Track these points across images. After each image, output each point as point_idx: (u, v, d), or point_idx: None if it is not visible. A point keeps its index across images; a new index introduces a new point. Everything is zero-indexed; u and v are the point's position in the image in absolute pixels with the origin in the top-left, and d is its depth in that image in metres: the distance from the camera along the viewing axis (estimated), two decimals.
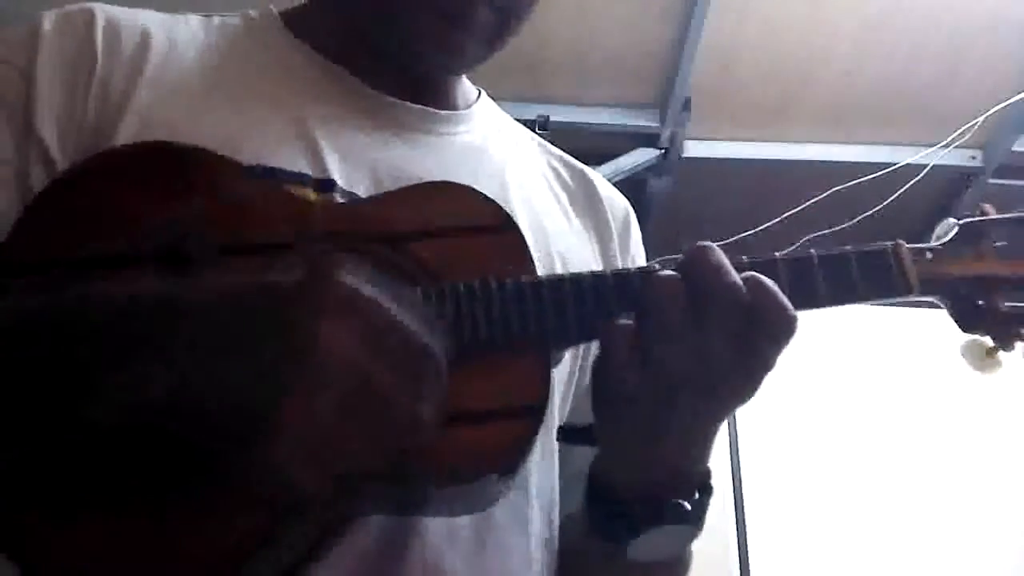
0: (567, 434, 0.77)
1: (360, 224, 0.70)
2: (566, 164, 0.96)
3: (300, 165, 0.74)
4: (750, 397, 0.68)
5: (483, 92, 0.94)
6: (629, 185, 2.74)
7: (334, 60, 0.83)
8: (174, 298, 0.57)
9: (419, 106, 0.84)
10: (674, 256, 0.68)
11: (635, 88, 2.79)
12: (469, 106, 0.90)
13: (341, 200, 0.73)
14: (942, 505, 2.54)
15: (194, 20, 0.83)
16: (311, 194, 0.72)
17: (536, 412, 0.64)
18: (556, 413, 0.81)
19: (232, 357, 0.55)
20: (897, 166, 2.81)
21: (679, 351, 0.64)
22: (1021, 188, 2.97)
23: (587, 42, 2.61)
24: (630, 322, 0.65)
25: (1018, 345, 0.68)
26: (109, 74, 0.74)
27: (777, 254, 0.70)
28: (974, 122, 2.71)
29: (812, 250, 0.70)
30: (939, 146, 2.79)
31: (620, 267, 0.90)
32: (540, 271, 0.72)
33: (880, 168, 2.81)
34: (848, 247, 0.71)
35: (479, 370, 0.64)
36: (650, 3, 2.53)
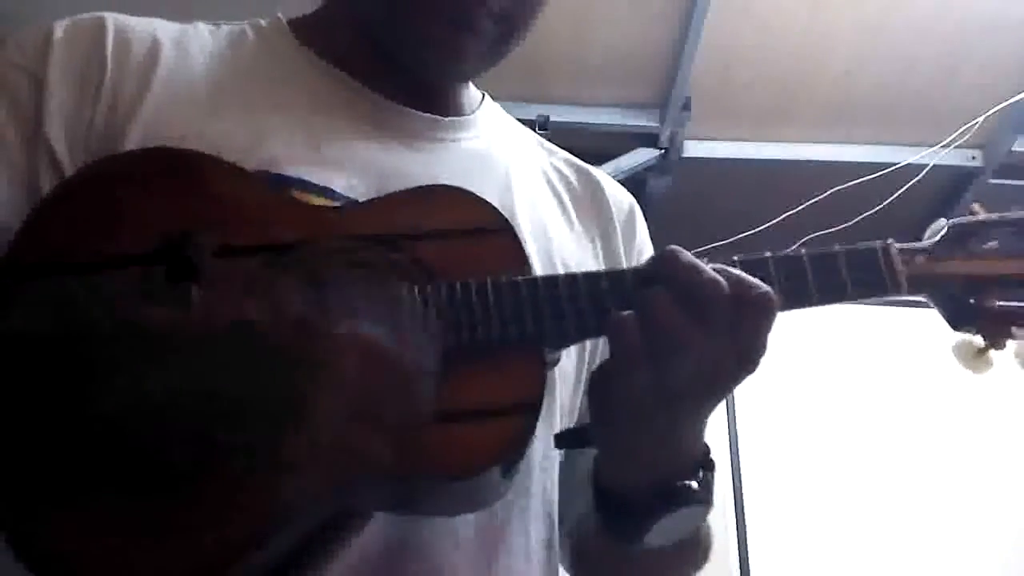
0: (561, 439, 0.78)
1: (360, 226, 0.70)
2: (571, 165, 0.97)
3: (305, 172, 0.75)
4: (749, 374, 0.68)
5: (487, 96, 0.95)
6: (629, 185, 2.69)
7: (341, 68, 0.83)
8: (178, 324, 0.59)
9: (424, 113, 0.85)
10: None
11: (635, 88, 2.79)
12: (473, 111, 0.91)
13: (343, 204, 0.74)
14: (941, 504, 2.54)
15: (203, 28, 0.84)
16: (314, 199, 0.73)
17: (531, 410, 0.65)
18: (559, 414, 0.82)
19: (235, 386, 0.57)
20: (897, 166, 2.81)
21: (679, 352, 0.65)
22: (1021, 188, 2.97)
23: (587, 42, 2.61)
24: (636, 326, 0.66)
25: (1009, 344, 0.68)
26: (118, 81, 0.75)
27: (768, 253, 0.70)
28: (974, 122, 2.70)
29: (803, 249, 0.71)
30: (939, 146, 2.79)
31: (623, 264, 0.91)
32: (540, 274, 0.73)
33: (880, 168, 2.81)
34: (837, 246, 0.71)
35: (475, 369, 0.65)
36: (650, 3, 2.53)
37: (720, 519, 2.52)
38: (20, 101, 0.73)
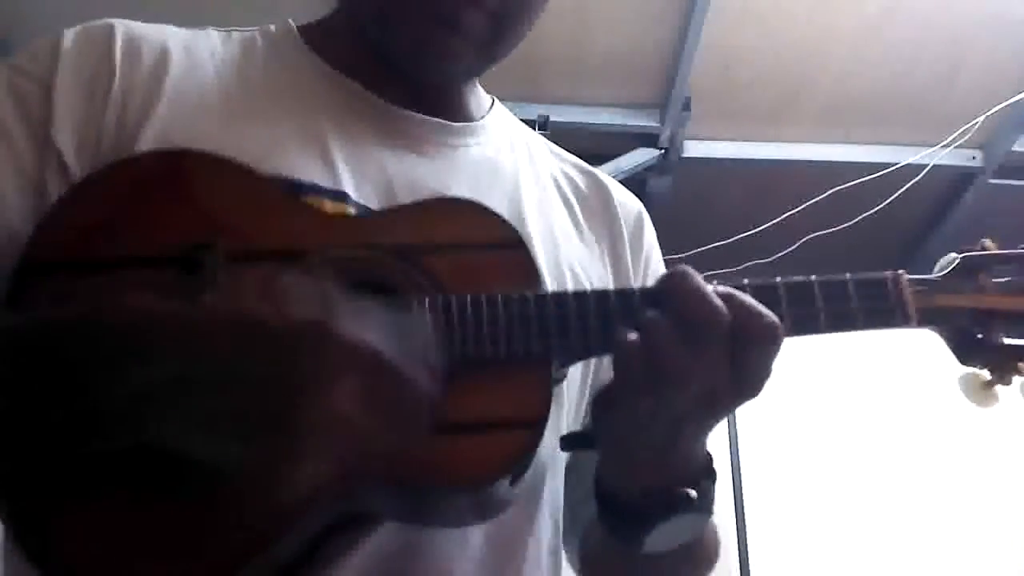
0: (566, 441, 0.78)
1: (372, 236, 0.71)
2: (580, 170, 0.97)
3: (317, 178, 0.75)
4: (752, 399, 0.69)
5: (496, 101, 0.95)
6: (629, 185, 2.69)
7: (349, 74, 0.84)
8: (183, 318, 0.58)
9: (433, 118, 0.85)
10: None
11: (635, 88, 2.78)
12: (483, 116, 0.91)
13: (355, 212, 0.74)
14: (940, 505, 2.55)
15: (214, 35, 0.85)
16: (327, 205, 0.73)
17: (538, 423, 0.66)
18: (566, 421, 0.82)
19: (239, 381, 0.57)
20: (897, 166, 2.81)
21: (679, 379, 0.65)
22: (1021, 188, 2.97)
23: (587, 42, 2.60)
24: (639, 353, 0.66)
25: (1015, 379, 0.69)
26: (128, 88, 0.75)
27: (778, 279, 0.70)
28: (974, 122, 2.70)
29: (813, 277, 0.71)
30: (939, 146, 2.78)
31: (630, 270, 0.92)
32: (550, 281, 0.74)
33: (880, 168, 2.81)
34: (848, 275, 0.71)
35: (483, 383, 0.66)
36: (650, 3, 2.52)
37: (720, 519, 2.53)
38: (30, 108, 0.73)
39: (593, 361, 0.87)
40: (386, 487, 0.63)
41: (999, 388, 0.69)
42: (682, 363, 0.64)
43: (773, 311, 0.65)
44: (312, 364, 0.57)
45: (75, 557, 0.59)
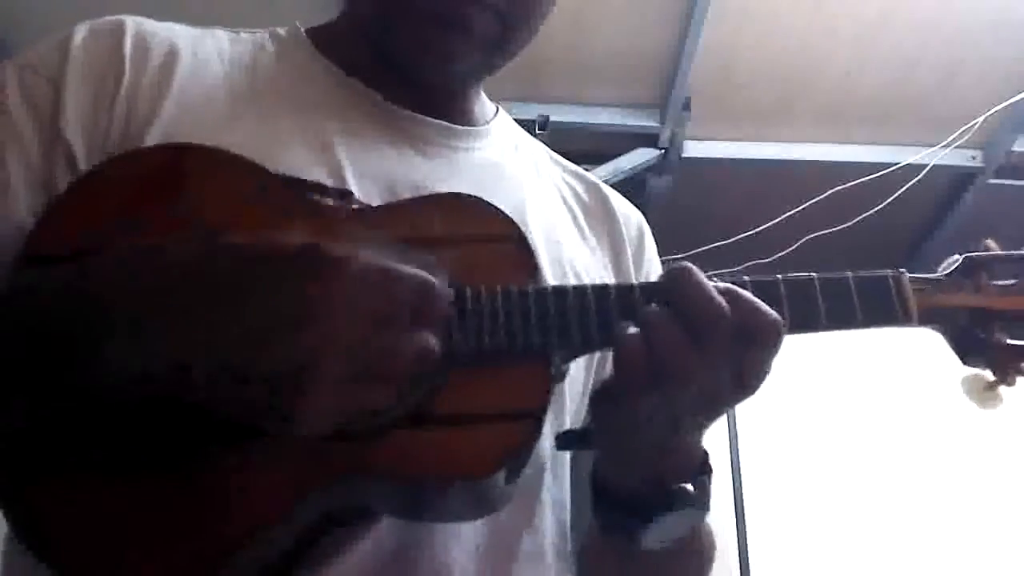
0: (561, 439, 0.78)
1: (373, 230, 0.71)
2: (581, 179, 0.98)
3: (321, 177, 0.75)
4: (751, 396, 0.68)
5: (501, 108, 0.95)
6: (629, 185, 2.74)
7: (356, 76, 0.84)
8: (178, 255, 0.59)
9: (437, 121, 0.85)
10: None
11: (635, 88, 2.78)
12: (487, 122, 0.91)
13: (358, 207, 0.75)
14: (941, 505, 2.55)
15: (222, 35, 0.85)
16: (332, 202, 0.74)
17: (536, 416, 0.65)
18: (568, 419, 0.82)
19: (242, 306, 0.56)
20: (897, 166, 2.81)
21: (680, 375, 0.65)
22: (1021, 188, 2.97)
23: (587, 42, 2.60)
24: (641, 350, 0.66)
25: (1019, 380, 0.68)
26: (136, 84, 0.76)
27: (780, 276, 0.70)
28: (974, 122, 2.70)
29: (813, 274, 0.70)
30: (939, 146, 2.78)
31: (632, 279, 0.91)
32: (551, 281, 0.74)
33: (880, 168, 2.81)
34: (848, 273, 0.71)
35: (482, 376, 0.65)
36: (650, 4, 2.52)
37: (720, 519, 2.53)
38: (39, 104, 0.74)
39: (596, 360, 0.87)
40: (382, 479, 0.63)
41: (1002, 389, 0.69)
42: (684, 361, 0.64)
43: (773, 308, 0.65)
44: (308, 337, 0.56)
45: (59, 539, 0.59)
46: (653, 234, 0.99)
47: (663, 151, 2.86)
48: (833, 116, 2.84)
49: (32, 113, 0.73)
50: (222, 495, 0.60)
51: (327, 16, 0.91)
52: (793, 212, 2.81)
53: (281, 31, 0.88)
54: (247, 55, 0.84)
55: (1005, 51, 2.64)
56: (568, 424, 0.82)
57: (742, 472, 2.60)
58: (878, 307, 0.70)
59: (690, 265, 0.66)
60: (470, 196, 0.73)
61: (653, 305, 0.65)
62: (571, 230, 0.90)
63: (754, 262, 2.63)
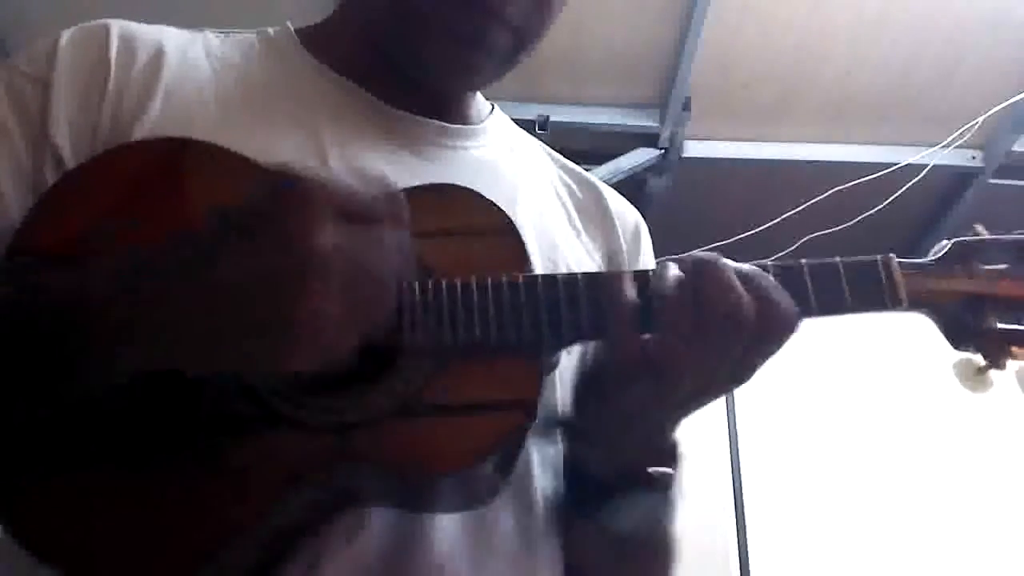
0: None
1: None
2: (577, 177, 0.97)
3: None
4: (740, 387, 0.69)
5: (495, 106, 0.95)
6: (629, 185, 2.74)
7: (347, 75, 0.84)
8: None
9: (432, 120, 0.85)
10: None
11: (635, 88, 2.78)
12: (482, 121, 0.91)
13: None
14: (941, 504, 2.54)
15: (211, 36, 0.85)
16: None
17: (526, 406, 0.65)
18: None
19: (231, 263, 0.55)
20: (897, 166, 2.81)
21: (680, 364, 0.65)
22: (1021, 188, 2.97)
23: (587, 42, 2.60)
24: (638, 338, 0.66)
25: (1009, 364, 0.68)
26: (123, 86, 0.76)
27: (768, 261, 0.70)
28: (974, 122, 2.70)
29: (803, 260, 0.70)
30: (939, 146, 2.78)
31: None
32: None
33: (880, 168, 2.81)
34: (838, 258, 0.71)
35: (471, 367, 0.66)
36: (650, 3, 2.53)
37: (720, 519, 2.53)
38: (27, 106, 0.74)
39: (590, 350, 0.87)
40: (372, 468, 0.64)
41: (993, 374, 0.69)
42: (685, 358, 0.64)
43: None
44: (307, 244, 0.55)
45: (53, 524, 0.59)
46: (653, 234, 0.99)
47: (663, 151, 2.86)
48: (833, 116, 2.84)
49: (20, 116, 0.74)
50: (215, 486, 0.61)
51: (320, 16, 0.91)
52: (793, 212, 2.81)
53: (271, 31, 0.88)
54: (236, 55, 0.84)
55: (1005, 51, 2.64)
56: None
57: (742, 472, 2.59)
58: (867, 292, 0.70)
59: (719, 256, 0.66)
60: (460, 187, 0.74)
61: (670, 287, 0.65)
62: (565, 228, 0.90)
63: (754, 262, 2.63)
